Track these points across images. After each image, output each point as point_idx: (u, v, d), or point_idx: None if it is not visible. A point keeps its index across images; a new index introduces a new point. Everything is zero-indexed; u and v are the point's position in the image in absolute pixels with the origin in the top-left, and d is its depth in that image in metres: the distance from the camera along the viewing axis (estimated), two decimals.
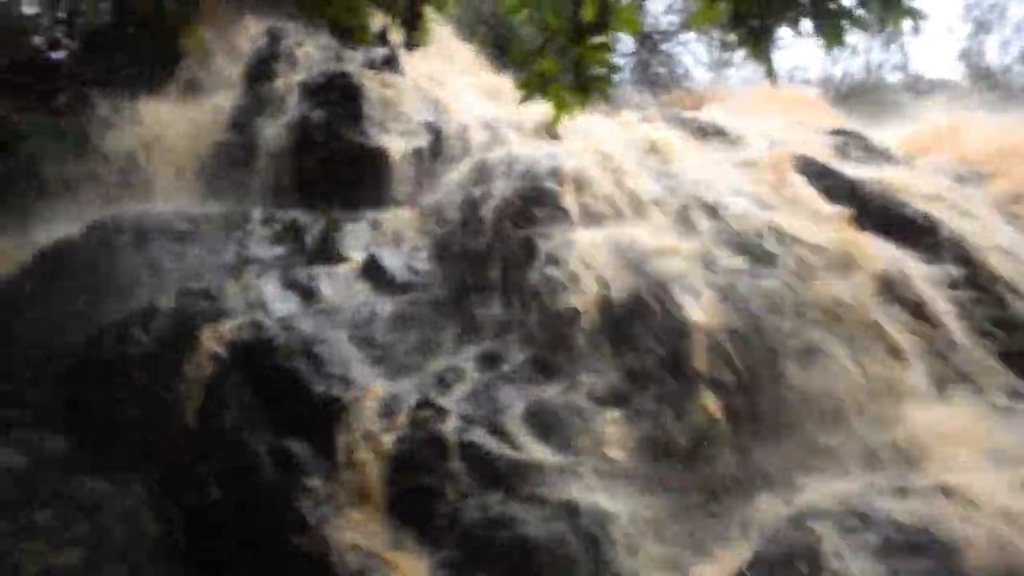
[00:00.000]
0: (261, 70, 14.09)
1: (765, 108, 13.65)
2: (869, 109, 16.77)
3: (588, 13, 5.46)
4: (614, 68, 6.15)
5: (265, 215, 11.30)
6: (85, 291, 9.49)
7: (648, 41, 21.14)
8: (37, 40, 20.10)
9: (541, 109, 11.44)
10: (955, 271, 8.32)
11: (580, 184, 9.27)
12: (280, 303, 8.71)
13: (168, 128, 13.46)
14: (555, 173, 9.37)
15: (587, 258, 8.33)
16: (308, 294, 8.92)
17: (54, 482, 8.12)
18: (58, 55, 19.26)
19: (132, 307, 8.95)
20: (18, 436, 8.12)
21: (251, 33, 15.26)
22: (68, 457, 8.45)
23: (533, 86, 5.96)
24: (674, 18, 21.91)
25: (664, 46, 21.33)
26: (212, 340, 7.99)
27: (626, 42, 20.63)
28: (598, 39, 5.66)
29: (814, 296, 7.95)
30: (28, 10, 18.91)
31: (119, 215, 10.33)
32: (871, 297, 7.97)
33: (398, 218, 10.86)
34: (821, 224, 8.94)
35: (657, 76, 21.33)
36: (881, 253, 8.42)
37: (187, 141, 13.22)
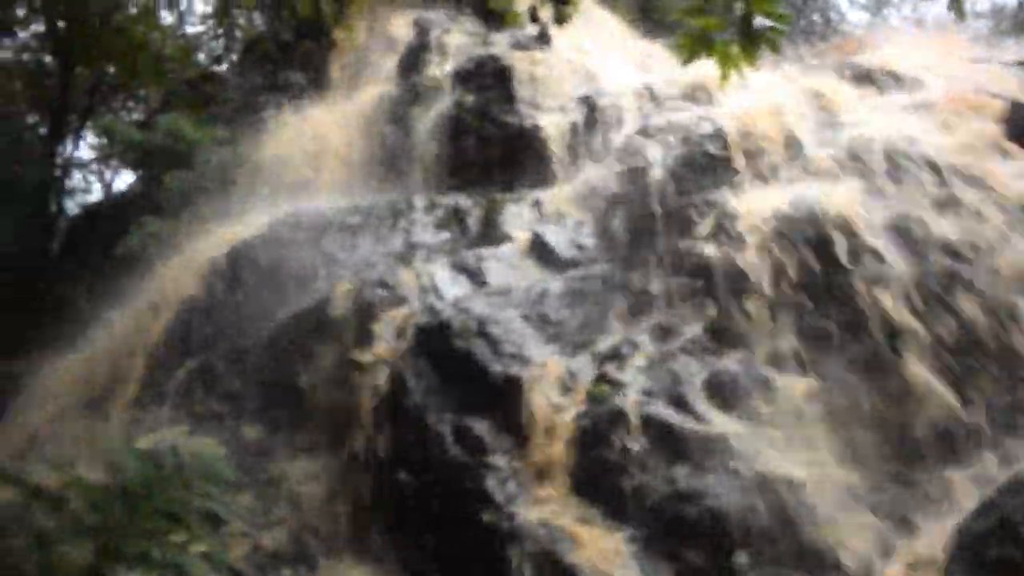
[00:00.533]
0: (413, 62, 14.35)
1: (929, 48, 12.72)
2: None
3: None
4: (785, 17, 5.83)
5: (427, 202, 11.53)
6: (269, 286, 9.99)
7: None
8: (202, 57, 21.37)
9: (694, 71, 11.12)
10: None
11: (747, 144, 8.93)
12: (452, 286, 8.85)
13: (330, 125, 13.94)
14: (719, 135, 9.07)
15: (760, 220, 8.01)
16: (477, 276, 9.03)
17: (254, 467, 8.59)
18: (221, 68, 20.45)
19: (312, 299, 9.33)
20: (225, 426, 8.63)
21: (401, 26, 15.58)
22: (264, 443, 8.94)
23: (696, 45, 5.73)
24: None
25: None
26: (391, 326, 8.22)
27: None
28: None
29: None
30: (191, 29, 20.09)
31: (296, 213, 10.79)
32: None
33: (558, 195, 10.82)
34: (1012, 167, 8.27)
35: (812, 24, 20.31)
36: None
37: (349, 136, 13.65)
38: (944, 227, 7.93)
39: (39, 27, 21.36)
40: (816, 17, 20.29)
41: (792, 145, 8.95)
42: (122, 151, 15.58)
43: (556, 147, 11.72)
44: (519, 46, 14.39)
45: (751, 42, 5.80)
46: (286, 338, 9.15)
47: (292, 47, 16.53)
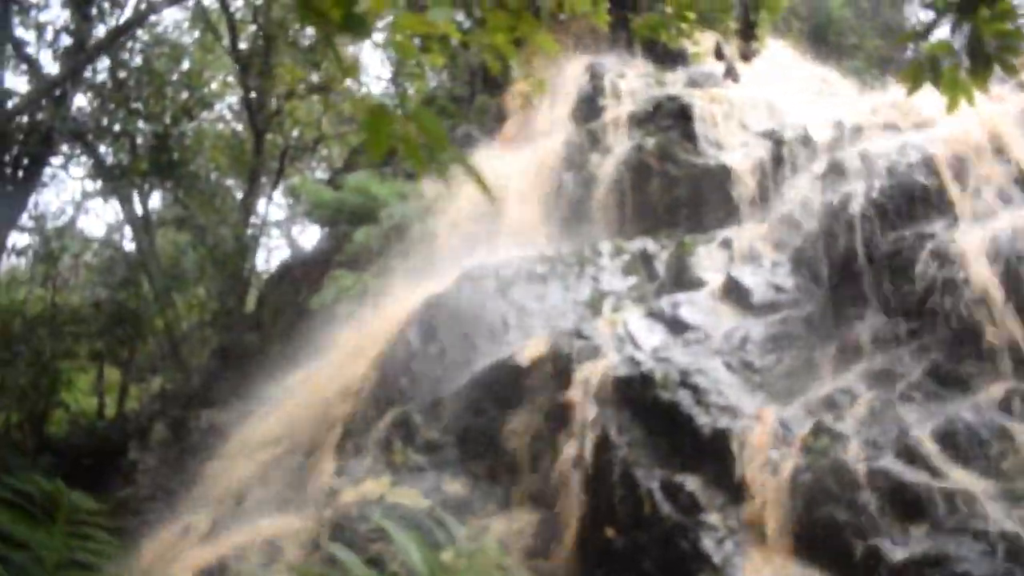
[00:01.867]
0: (588, 108, 14.38)
1: None
2: None
3: None
4: (1019, 35, 5.38)
5: (613, 248, 11.44)
6: (462, 338, 10.12)
7: None
8: None
9: (887, 98, 10.52)
10: None
11: (959, 173, 8.32)
12: (648, 335, 8.66)
13: (509, 176, 14.13)
14: (927, 164, 8.48)
15: (981, 255, 7.39)
16: (674, 323, 8.80)
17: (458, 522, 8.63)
18: None
19: (507, 350, 9.36)
20: (425, 477, 8.74)
21: (574, 73, 15.67)
22: (464, 496, 8.99)
23: (921, 72, 5.37)
24: None
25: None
26: (591, 379, 8.10)
27: None
28: (999, 6, 4.98)
29: None
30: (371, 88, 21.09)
31: (483, 265, 10.93)
32: None
33: (749, 234, 10.47)
34: None
35: None
36: None
37: (528, 185, 13.77)
38: None
39: (233, 98, 23.06)
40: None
41: (1013, 172, 8.26)
42: (310, 210, 16.37)
43: (743, 185, 11.38)
44: (695, 84, 14.18)
45: (982, 65, 5.39)
46: (482, 390, 9.21)
47: (467, 101, 16.98)
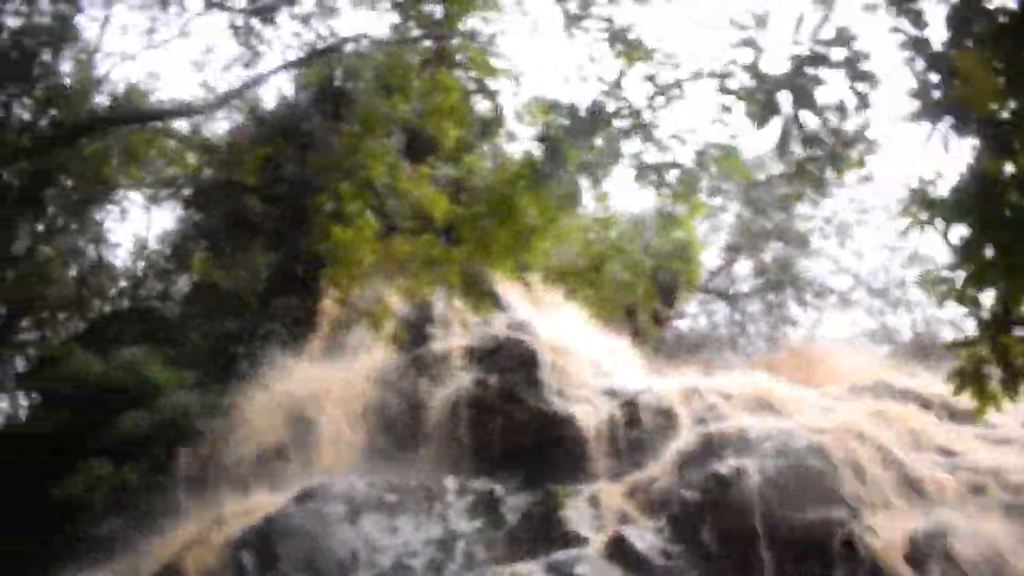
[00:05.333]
0: (414, 333, 13.82)
1: None
2: None
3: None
4: None
5: (458, 486, 10.56)
6: (304, 567, 8.54)
7: None
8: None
9: (744, 379, 11.06)
10: None
11: (849, 461, 8.70)
12: None
13: (320, 390, 12.97)
14: (818, 449, 8.81)
15: (900, 548, 7.58)
16: None
17: None
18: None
19: None
20: None
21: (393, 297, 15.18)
22: None
23: (967, 375, 5.60)
24: None
25: None
26: None
27: None
28: None
29: None
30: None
31: (327, 485, 9.55)
32: None
33: (609, 492, 10.13)
34: None
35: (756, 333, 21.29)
36: None
37: (345, 403, 12.69)
38: None
39: None
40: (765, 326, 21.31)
41: (891, 466, 8.79)
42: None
43: (592, 440, 11.17)
44: (518, 327, 14.20)
45: (1012, 379, 5.69)
46: None
47: (266, 299, 15.71)
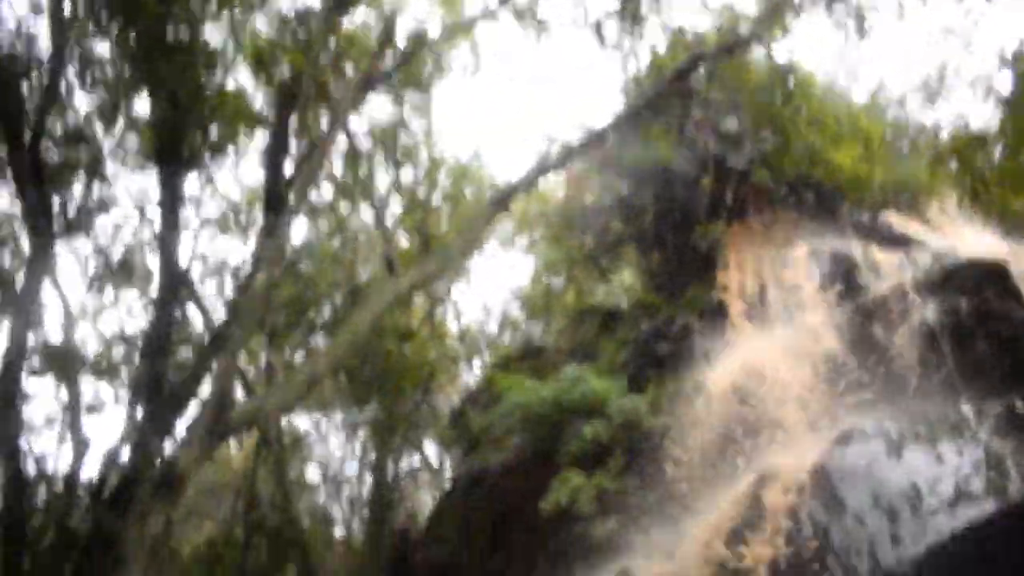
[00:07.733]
0: (846, 285, 13.33)
1: None
2: None
3: None
4: None
5: (975, 409, 9.77)
6: (871, 505, 8.21)
7: None
8: None
9: None
10: None
11: None
12: None
13: (766, 359, 12.74)
14: None
15: None
16: None
17: None
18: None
19: None
20: None
21: (796, 257, 14.80)
22: None
23: None
24: None
25: None
26: None
27: None
28: None
29: None
30: None
31: (857, 427, 9.23)
32: None
33: None
34: None
35: None
36: None
37: (796, 365, 12.35)
38: None
39: None
40: None
41: None
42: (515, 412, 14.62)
43: None
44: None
45: None
46: None
47: (675, 294, 15.89)
